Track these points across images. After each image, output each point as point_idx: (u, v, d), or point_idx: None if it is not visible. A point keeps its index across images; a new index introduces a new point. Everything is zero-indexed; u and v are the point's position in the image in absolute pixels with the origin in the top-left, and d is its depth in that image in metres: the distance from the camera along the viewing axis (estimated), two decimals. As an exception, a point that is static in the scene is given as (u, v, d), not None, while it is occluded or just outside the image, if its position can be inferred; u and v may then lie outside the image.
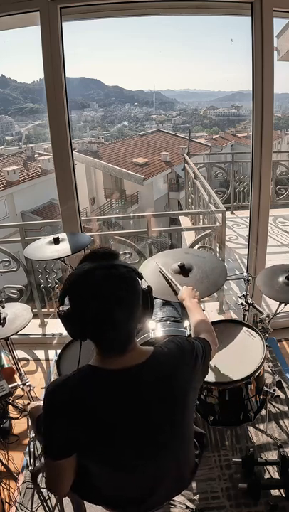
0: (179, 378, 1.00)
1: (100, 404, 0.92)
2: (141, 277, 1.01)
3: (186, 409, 1.04)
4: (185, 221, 5.02)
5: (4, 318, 1.94)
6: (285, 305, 1.79)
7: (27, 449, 1.85)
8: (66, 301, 0.98)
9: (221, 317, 2.96)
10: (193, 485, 1.67)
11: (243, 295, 2.09)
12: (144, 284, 1.01)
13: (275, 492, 1.60)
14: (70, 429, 0.91)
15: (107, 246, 1.02)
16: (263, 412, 1.86)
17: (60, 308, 0.98)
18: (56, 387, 0.95)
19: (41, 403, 1.24)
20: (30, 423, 1.64)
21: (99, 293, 0.90)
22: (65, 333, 2.83)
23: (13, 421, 2.09)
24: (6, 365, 2.41)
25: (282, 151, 13.92)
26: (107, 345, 0.96)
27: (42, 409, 0.95)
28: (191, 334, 1.30)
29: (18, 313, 2.00)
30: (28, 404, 1.94)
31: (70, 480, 0.99)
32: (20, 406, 2.17)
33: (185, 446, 1.12)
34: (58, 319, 1.00)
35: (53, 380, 1.18)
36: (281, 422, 1.95)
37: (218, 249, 3.15)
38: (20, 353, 2.57)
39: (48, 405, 0.94)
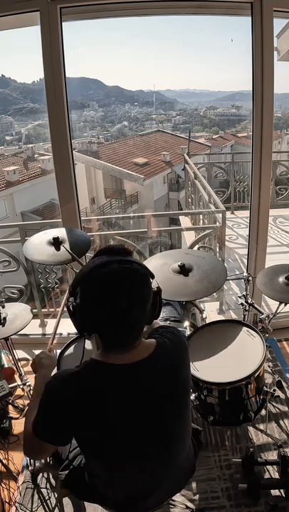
0: (183, 367, 1.02)
1: (106, 399, 0.92)
2: (153, 277, 1.01)
3: (188, 398, 1.07)
4: (185, 221, 5.02)
5: (4, 318, 1.94)
6: (285, 305, 1.79)
7: (27, 449, 1.85)
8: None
9: (221, 317, 2.95)
10: (193, 485, 1.67)
11: (243, 295, 2.09)
12: (154, 284, 1.01)
13: (275, 492, 1.60)
14: (70, 422, 0.92)
15: (122, 244, 1.02)
16: (263, 412, 1.86)
17: (70, 301, 0.97)
18: (61, 380, 0.95)
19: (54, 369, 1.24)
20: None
21: (112, 287, 0.89)
22: (65, 333, 2.82)
23: (13, 421, 2.09)
24: (6, 365, 2.41)
25: (282, 151, 13.92)
26: (115, 341, 0.95)
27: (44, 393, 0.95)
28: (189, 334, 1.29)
29: (18, 313, 2.00)
30: (29, 404, 1.93)
31: (49, 453, 1.03)
32: (21, 406, 2.17)
33: (186, 440, 1.12)
34: (59, 319, 0.99)
35: (57, 372, 1.17)
36: (281, 422, 1.95)
37: (218, 249, 3.15)
38: (20, 353, 2.57)
39: (51, 396, 0.94)
